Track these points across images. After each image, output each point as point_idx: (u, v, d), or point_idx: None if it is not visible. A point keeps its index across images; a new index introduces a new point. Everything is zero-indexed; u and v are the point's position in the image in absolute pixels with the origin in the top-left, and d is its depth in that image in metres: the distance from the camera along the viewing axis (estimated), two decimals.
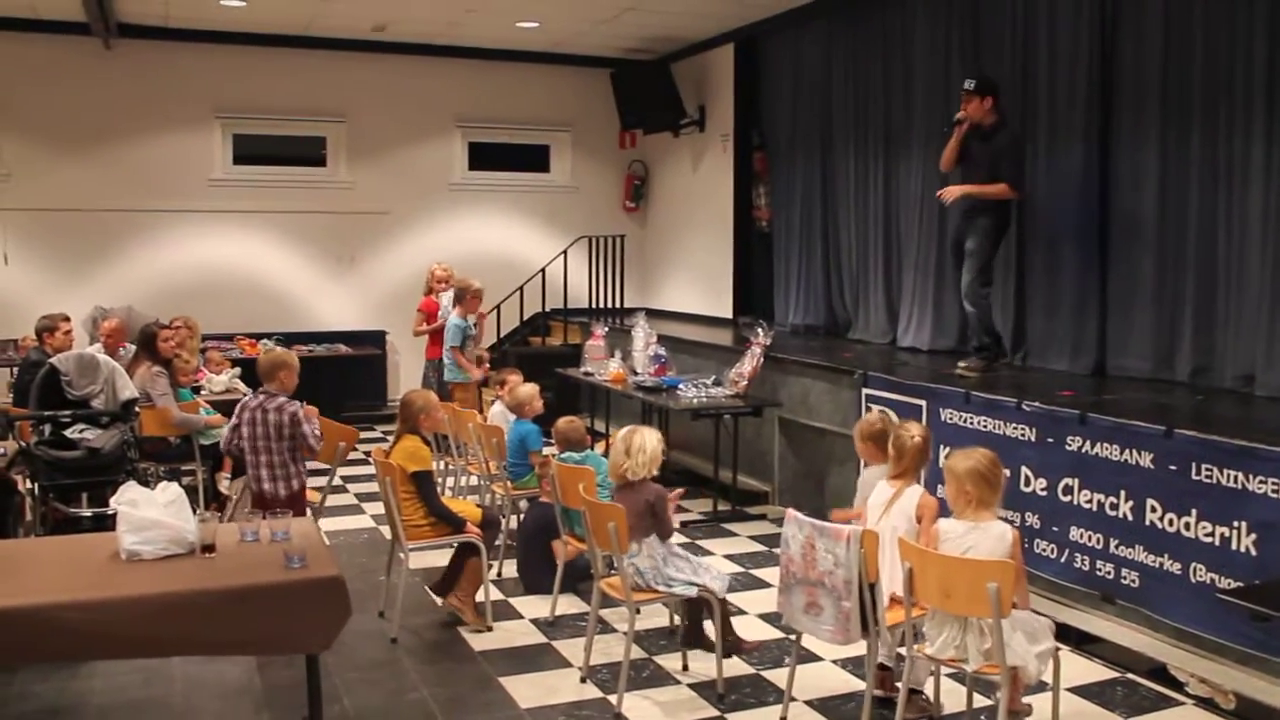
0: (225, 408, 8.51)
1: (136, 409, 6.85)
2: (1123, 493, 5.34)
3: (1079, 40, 7.34)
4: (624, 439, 5.20)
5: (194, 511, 4.31)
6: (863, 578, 4.26)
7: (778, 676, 5.06)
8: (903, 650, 4.40)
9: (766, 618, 5.88)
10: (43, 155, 11.00)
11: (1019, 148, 7.18)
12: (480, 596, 5.89)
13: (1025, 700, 4.34)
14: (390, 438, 6.31)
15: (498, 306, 12.12)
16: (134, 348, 8.08)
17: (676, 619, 5.64)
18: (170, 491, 4.29)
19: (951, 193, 7.09)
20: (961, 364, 7.23)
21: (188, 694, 5.00)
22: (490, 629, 5.79)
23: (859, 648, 4.48)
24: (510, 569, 6.69)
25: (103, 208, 11.19)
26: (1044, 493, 5.77)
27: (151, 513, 4.16)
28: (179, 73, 11.33)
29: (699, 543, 7.37)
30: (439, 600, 6.05)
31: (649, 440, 5.16)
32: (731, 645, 5.29)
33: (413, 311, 10.17)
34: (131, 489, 4.29)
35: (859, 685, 4.92)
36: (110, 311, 9.53)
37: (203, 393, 8.74)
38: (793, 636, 4.88)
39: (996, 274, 7.44)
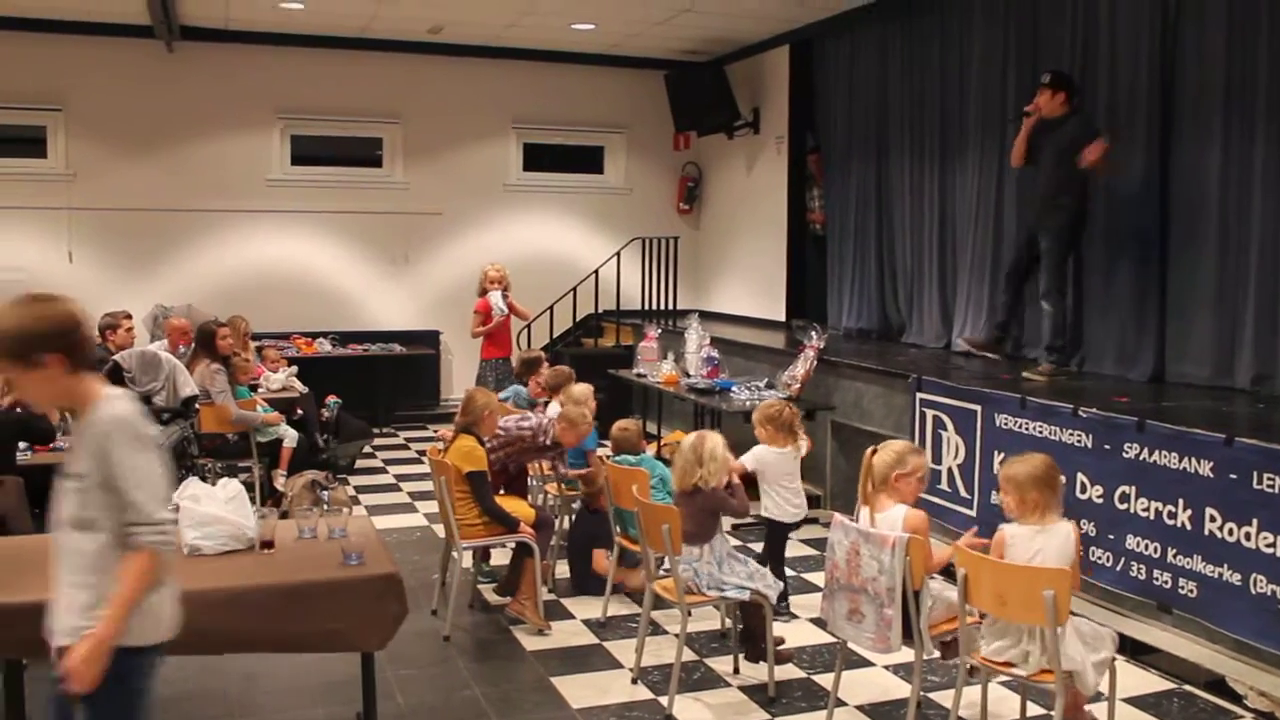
0: (282, 405, 8.65)
1: (196, 406, 6.97)
2: (1181, 501, 5.26)
3: (1139, 41, 7.25)
4: (694, 447, 5.16)
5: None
6: (907, 585, 4.24)
7: (829, 680, 5.04)
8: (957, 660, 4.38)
9: (817, 622, 5.86)
10: (106, 156, 11.21)
11: (1094, 125, 7.16)
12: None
13: (1089, 711, 4.30)
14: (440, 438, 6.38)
15: (550, 307, 12.19)
16: (193, 345, 8.22)
17: (728, 622, 5.64)
18: (231, 488, 4.37)
19: (1095, 150, 6.82)
20: (1027, 373, 7.15)
21: (243, 686, 5.07)
22: (550, 629, 5.81)
23: (910, 654, 4.45)
24: (563, 569, 6.72)
25: (164, 207, 11.38)
26: (1100, 500, 5.70)
27: (213, 508, 4.23)
28: (239, 74, 11.50)
29: (750, 545, 7.36)
30: (503, 602, 6.08)
31: (719, 446, 5.17)
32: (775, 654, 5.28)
33: (468, 312, 10.21)
34: (193, 485, 4.37)
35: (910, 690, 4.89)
36: (171, 310, 9.71)
37: (260, 390, 8.85)
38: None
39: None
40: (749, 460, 5.93)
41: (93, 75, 11.06)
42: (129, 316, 8.41)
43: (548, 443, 6.33)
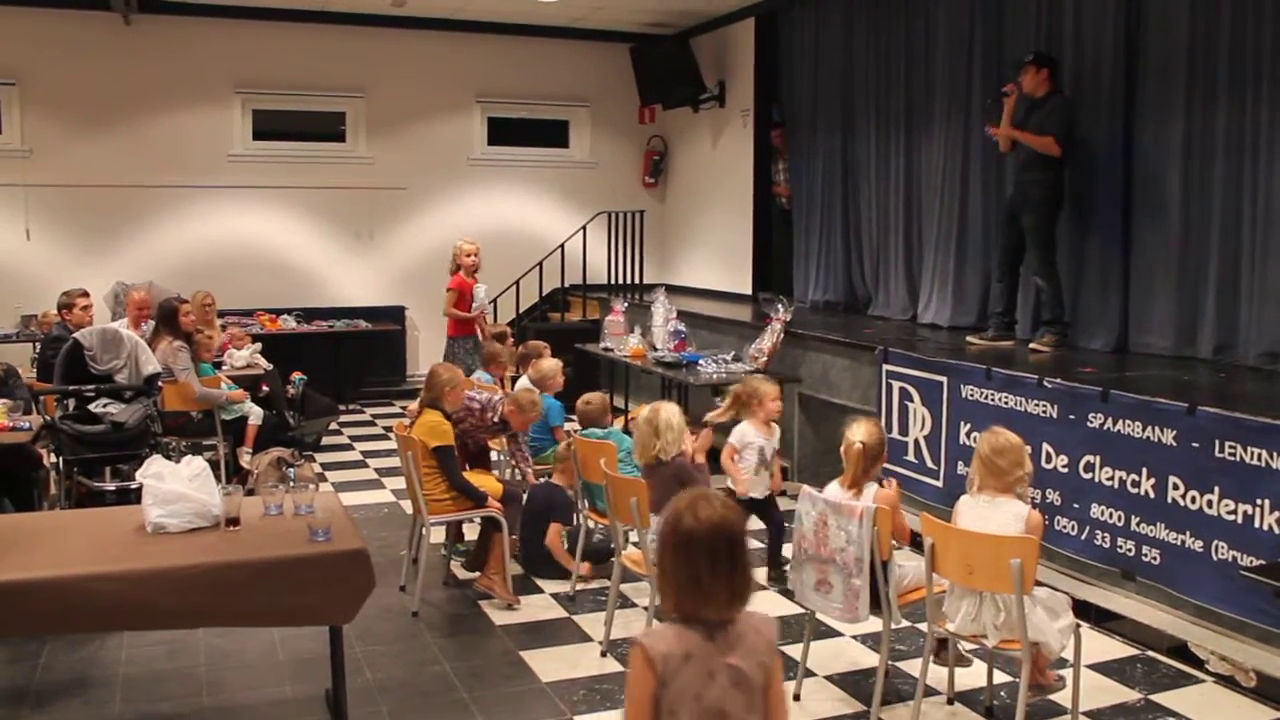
0: (247, 383, 8.58)
1: (159, 384, 6.89)
2: (1144, 470, 5.32)
3: (1104, 15, 7.28)
4: (649, 420, 5.18)
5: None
6: (874, 555, 4.27)
7: (798, 651, 5.07)
8: (923, 627, 4.41)
9: (785, 594, 5.89)
10: (64, 131, 11.03)
11: (1069, 107, 7.22)
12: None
13: (1053, 672, 4.35)
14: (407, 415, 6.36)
15: (517, 282, 12.14)
16: (155, 322, 8.13)
17: None
18: (195, 465, 4.33)
19: (1000, 133, 7.23)
20: (1033, 344, 7.21)
21: (212, 665, 5.04)
22: (519, 604, 5.81)
23: (878, 624, 4.48)
24: None
25: (124, 183, 11.23)
26: (1065, 470, 5.76)
27: (177, 486, 4.20)
28: (199, 48, 11.34)
29: None
30: (472, 577, 6.07)
31: (674, 416, 5.20)
32: None
33: (433, 288, 10.04)
34: (157, 462, 4.33)
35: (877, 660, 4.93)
36: (133, 286, 9.59)
37: (224, 368, 8.78)
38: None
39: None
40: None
41: (48, 49, 10.86)
42: (85, 295, 8.27)
43: (495, 419, 6.31)
